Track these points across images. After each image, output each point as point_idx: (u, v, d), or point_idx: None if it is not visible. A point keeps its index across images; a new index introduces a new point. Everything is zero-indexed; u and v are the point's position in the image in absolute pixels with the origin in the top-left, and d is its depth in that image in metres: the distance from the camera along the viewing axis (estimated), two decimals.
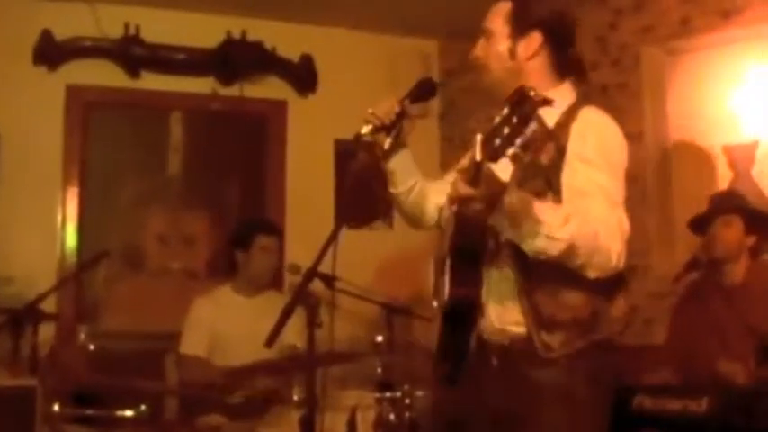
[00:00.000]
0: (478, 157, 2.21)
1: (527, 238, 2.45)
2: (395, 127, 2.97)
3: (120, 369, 4.77)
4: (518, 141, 2.12)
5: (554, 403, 2.66)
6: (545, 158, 2.53)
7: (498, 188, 2.34)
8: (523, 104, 2.10)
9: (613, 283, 2.68)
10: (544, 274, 2.60)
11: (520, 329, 2.69)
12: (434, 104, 6.28)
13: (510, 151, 2.14)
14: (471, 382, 2.81)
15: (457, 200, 2.41)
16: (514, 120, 2.11)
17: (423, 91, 3.03)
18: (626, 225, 2.64)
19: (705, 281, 4.53)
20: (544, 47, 2.85)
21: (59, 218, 5.62)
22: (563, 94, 2.80)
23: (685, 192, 5.49)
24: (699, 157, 5.47)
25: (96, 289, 5.68)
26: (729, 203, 4.51)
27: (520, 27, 2.85)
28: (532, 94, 2.10)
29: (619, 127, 2.78)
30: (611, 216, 2.59)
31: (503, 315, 2.73)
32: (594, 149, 2.62)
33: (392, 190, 3.11)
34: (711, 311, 4.42)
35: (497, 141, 2.13)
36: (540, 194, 2.49)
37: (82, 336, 4.90)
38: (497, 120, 2.15)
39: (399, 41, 6.32)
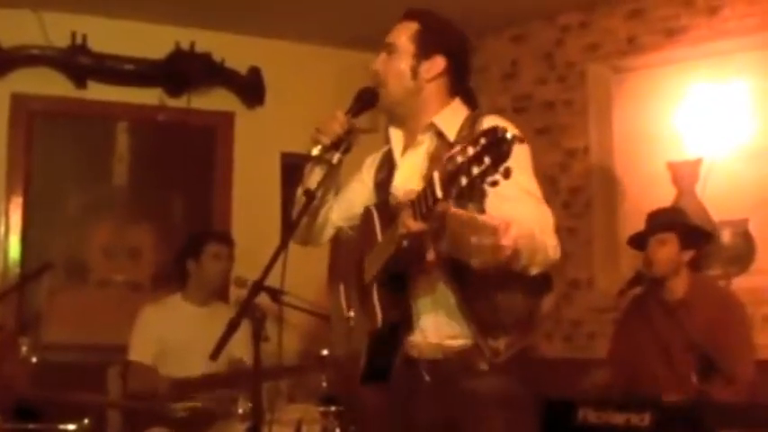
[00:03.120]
0: (440, 194, 2.22)
1: (474, 255, 2.46)
2: (343, 143, 2.96)
3: (63, 382, 4.70)
4: (488, 179, 2.12)
5: (492, 410, 2.71)
6: None
7: (448, 219, 2.37)
8: (500, 146, 2.09)
9: (542, 281, 2.73)
10: (479, 283, 2.63)
11: (456, 342, 2.74)
12: (381, 118, 6.29)
13: (474, 189, 2.15)
14: (400, 401, 2.83)
15: (408, 236, 2.44)
16: (486, 160, 2.10)
17: (363, 102, 3.02)
18: (552, 217, 2.71)
19: (648, 296, 4.58)
20: (445, 71, 2.90)
21: (2, 228, 5.55)
22: (456, 110, 2.89)
23: (630, 207, 5.55)
24: (643, 174, 5.54)
25: (39, 301, 5.60)
26: (664, 221, 4.56)
27: (425, 48, 2.89)
28: (509, 135, 2.09)
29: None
30: (540, 213, 2.67)
31: (439, 330, 2.76)
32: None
33: (317, 203, 3.07)
34: (654, 326, 4.46)
35: (464, 181, 2.14)
36: (462, 206, 2.49)
37: (24, 348, 4.84)
38: (461, 158, 2.14)
39: (347, 54, 6.32)
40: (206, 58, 5.95)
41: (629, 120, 5.66)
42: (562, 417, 4.00)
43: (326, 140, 2.94)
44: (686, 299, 4.43)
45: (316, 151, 2.95)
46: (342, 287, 3.05)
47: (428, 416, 2.78)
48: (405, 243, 2.49)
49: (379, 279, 2.73)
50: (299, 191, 3.01)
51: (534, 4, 5.68)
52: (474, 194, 2.17)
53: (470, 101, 2.97)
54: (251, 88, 6.15)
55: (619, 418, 3.89)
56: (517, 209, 2.53)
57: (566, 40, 5.83)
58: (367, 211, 2.92)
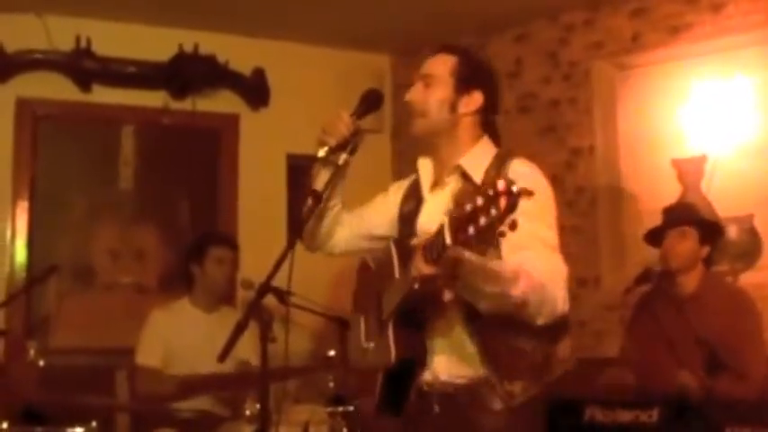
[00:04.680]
0: (449, 241, 2.24)
1: (483, 300, 2.53)
2: (349, 144, 2.96)
3: (71, 385, 4.71)
4: (495, 230, 2.14)
5: None
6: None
7: (459, 265, 2.39)
8: (506, 198, 2.10)
9: (559, 327, 2.77)
10: (496, 326, 2.67)
11: (466, 381, 2.78)
12: (386, 119, 6.30)
13: (482, 237, 2.17)
14: (412, 429, 2.88)
15: (420, 279, 2.47)
16: (493, 211, 2.10)
17: (369, 103, 3.03)
18: (565, 269, 2.73)
19: (657, 293, 4.57)
20: (481, 108, 2.93)
21: (9, 233, 5.56)
22: (483, 149, 2.92)
23: (635, 205, 5.55)
24: (649, 171, 5.54)
25: (46, 304, 5.61)
26: (683, 215, 4.56)
27: (465, 83, 2.91)
28: (515, 189, 2.10)
29: (544, 176, 2.85)
30: (552, 264, 2.69)
31: (449, 369, 2.81)
32: (529, 202, 2.66)
33: (323, 204, 3.08)
34: (663, 323, 4.45)
35: (471, 230, 2.15)
36: (482, 251, 2.52)
37: (31, 352, 4.85)
38: (470, 207, 2.15)
39: (352, 56, 6.33)
40: (210, 61, 5.96)
41: (633, 117, 5.65)
42: (569, 416, 3.99)
43: (332, 142, 2.94)
44: (697, 294, 4.41)
45: (322, 153, 2.96)
46: (362, 318, 3.08)
47: None
48: (416, 285, 2.52)
49: (395, 317, 2.76)
50: (307, 192, 3.02)
51: (538, 3, 5.67)
52: (485, 241, 2.20)
53: (496, 137, 2.99)
54: (255, 90, 6.15)
55: (627, 416, 3.88)
56: (530, 258, 2.57)
57: (570, 39, 5.82)
58: (388, 248, 2.95)
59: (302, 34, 6.16)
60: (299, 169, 5.75)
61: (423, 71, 2.97)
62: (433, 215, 2.85)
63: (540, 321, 2.64)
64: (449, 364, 2.80)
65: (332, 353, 4.80)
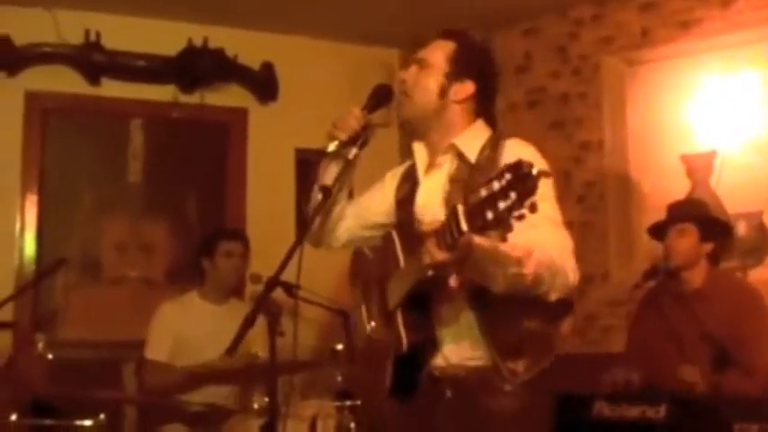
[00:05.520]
0: (465, 228, 2.23)
1: (496, 282, 2.52)
2: (359, 138, 2.96)
3: (79, 378, 4.73)
4: (514, 214, 2.12)
5: (508, 428, 2.78)
6: None
7: (471, 249, 2.38)
8: (526, 181, 2.09)
9: (562, 305, 2.76)
10: (500, 307, 2.67)
11: (476, 363, 2.78)
12: (395, 113, 6.29)
13: (500, 222, 2.15)
14: (423, 415, 2.87)
15: (434, 266, 2.46)
16: (512, 195, 2.09)
17: (379, 98, 3.04)
18: (571, 242, 2.74)
19: (663, 288, 4.57)
20: (473, 95, 2.92)
21: (17, 226, 5.57)
22: (477, 131, 2.91)
23: (644, 200, 5.55)
24: (657, 166, 5.53)
25: (54, 298, 5.62)
26: (684, 211, 4.56)
27: (458, 71, 2.91)
28: (534, 171, 2.08)
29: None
30: (559, 239, 2.70)
31: (459, 352, 2.80)
32: None
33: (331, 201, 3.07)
34: (669, 319, 4.45)
35: (489, 215, 2.14)
36: (502, 237, 2.50)
37: (40, 345, 4.86)
38: (486, 192, 2.14)
39: (361, 50, 6.33)
40: (219, 54, 5.96)
41: (642, 112, 5.64)
42: (577, 411, 3.99)
43: (343, 136, 2.94)
44: (703, 290, 4.41)
45: (332, 147, 2.96)
46: (363, 306, 3.07)
47: (448, 428, 2.82)
48: (430, 272, 2.52)
49: (403, 304, 2.75)
50: (315, 187, 3.02)
51: None
52: (502, 226, 2.17)
53: (492, 122, 2.98)
54: (264, 84, 6.16)
55: (634, 412, 3.88)
56: (538, 235, 2.56)
57: (579, 34, 5.81)
58: (388, 235, 2.94)
59: (311, 28, 6.16)
60: (307, 163, 5.74)
61: (420, 54, 2.99)
62: (430, 197, 2.88)
63: (554, 296, 2.64)
64: (458, 347, 2.80)
65: (339, 347, 4.81)
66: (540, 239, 2.56)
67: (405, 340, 2.75)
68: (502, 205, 2.11)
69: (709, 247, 4.47)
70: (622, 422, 3.90)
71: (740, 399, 3.82)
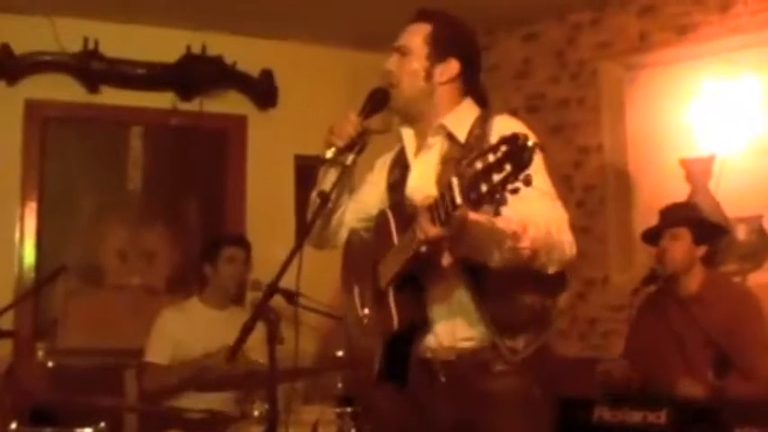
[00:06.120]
0: (459, 201, 2.19)
1: (492, 257, 2.50)
2: (356, 145, 2.96)
3: (79, 386, 4.73)
4: (509, 187, 2.10)
5: (509, 410, 2.74)
6: None
7: (466, 224, 2.36)
8: (521, 153, 2.07)
9: (557, 280, 2.74)
10: (495, 283, 2.64)
11: (469, 344, 2.75)
12: (395, 118, 6.29)
13: (494, 195, 2.12)
14: (417, 401, 2.84)
15: (427, 241, 2.42)
16: (507, 167, 2.07)
17: (375, 102, 3.02)
18: (566, 214, 2.72)
19: (662, 293, 4.57)
20: (459, 74, 2.92)
21: (17, 234, 5.57)
22: (466, 110, 2.91)
23: (644, 205, 5.54)
24: (657, 171, 5.53)
25: (55, 305, 5.62)
26: (676, 215, 4.55)
27: (439, 51, 2.91)
28: (530, 143, 2.07)
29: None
30: (554, 210, 2.69)
31: (453, 332, 2.77)
32: None
33: (332, 205, 3.07)
34: (669, 323, 4.45)
35: (484, 188, 2.11)
36: (496, 210, 2.49)
37: (40, 353, 4.87)
38: (481, 164, 2.11)
39: (360, 56, 6.32)
40: (218, 61, 5.96)
41: (641, 117, 5.65)
42: (578, 415, 3.99)
43: (340, 143, 2.94)
44: (701, 294, 4.41)
45: (329, 154, 2.96)
46: (356, 288, 3.05)
47: (445, 416, 2.80)
48: (423, 248, 2.47)
49: (396, 282, 2.72)
50: (314, 194, 3.01)
51: (545, 3, 5.67)
52: (494, 200, 2.13)
53: (481, 100, 2.97)
54: (263, 91, 6.16)
55: (635, 416, 3.88)
56: (533, 209, 2.53)
57: (577, 38, 5.82)
58: (382, 214, 2.92)
59: (310, 35, 6.16)
60: (307, 170, 5.69)
61: (397, 42, 2.98)
62: (422, 179, 2.86)
63: (552, 269, 2.63)
64: (452, 327, 2.76)
65: (340, 353, 4.80)
66: (536, 213, 2.53)
67: (396, 318, 2.71)
68: (496, 177, 2.09)
69: (702, 250, 4.47)
70: (623, 427, 3.90)
71: (741, 403, 3.81)
